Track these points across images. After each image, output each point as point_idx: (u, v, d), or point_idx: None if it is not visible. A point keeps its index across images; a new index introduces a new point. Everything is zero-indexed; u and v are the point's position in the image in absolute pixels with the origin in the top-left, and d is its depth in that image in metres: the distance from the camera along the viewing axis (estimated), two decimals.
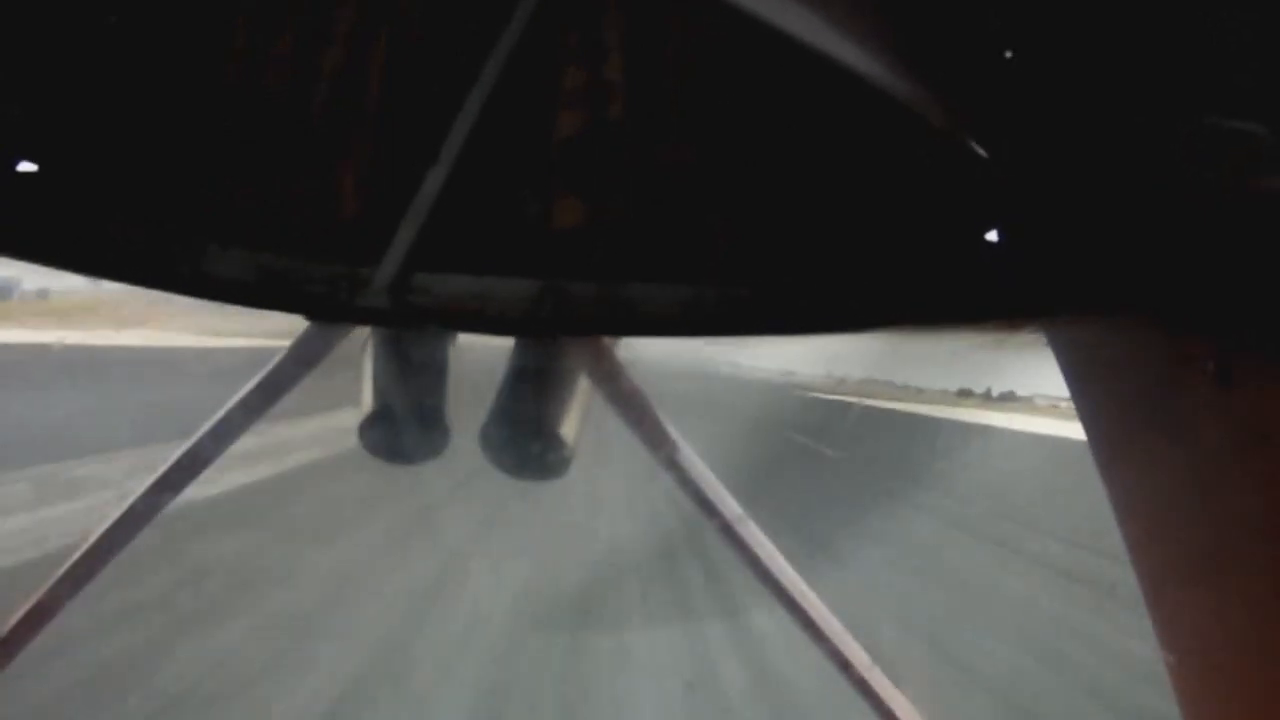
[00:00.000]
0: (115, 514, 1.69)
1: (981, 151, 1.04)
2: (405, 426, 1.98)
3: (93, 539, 1.67)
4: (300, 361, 1.70)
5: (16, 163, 1.27)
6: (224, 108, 1.33)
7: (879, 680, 1.64)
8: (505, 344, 1.89)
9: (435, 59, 1.32)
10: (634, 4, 1.33)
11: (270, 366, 1.73)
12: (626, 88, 1.34)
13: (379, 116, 1.36)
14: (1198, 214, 0.95)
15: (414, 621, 8.20)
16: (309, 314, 1.48)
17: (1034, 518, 12.85)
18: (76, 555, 1.66)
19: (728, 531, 1.73)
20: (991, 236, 1.21)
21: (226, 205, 1.35)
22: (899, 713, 1.63)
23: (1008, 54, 0.89)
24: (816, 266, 1.31)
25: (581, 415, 1.98)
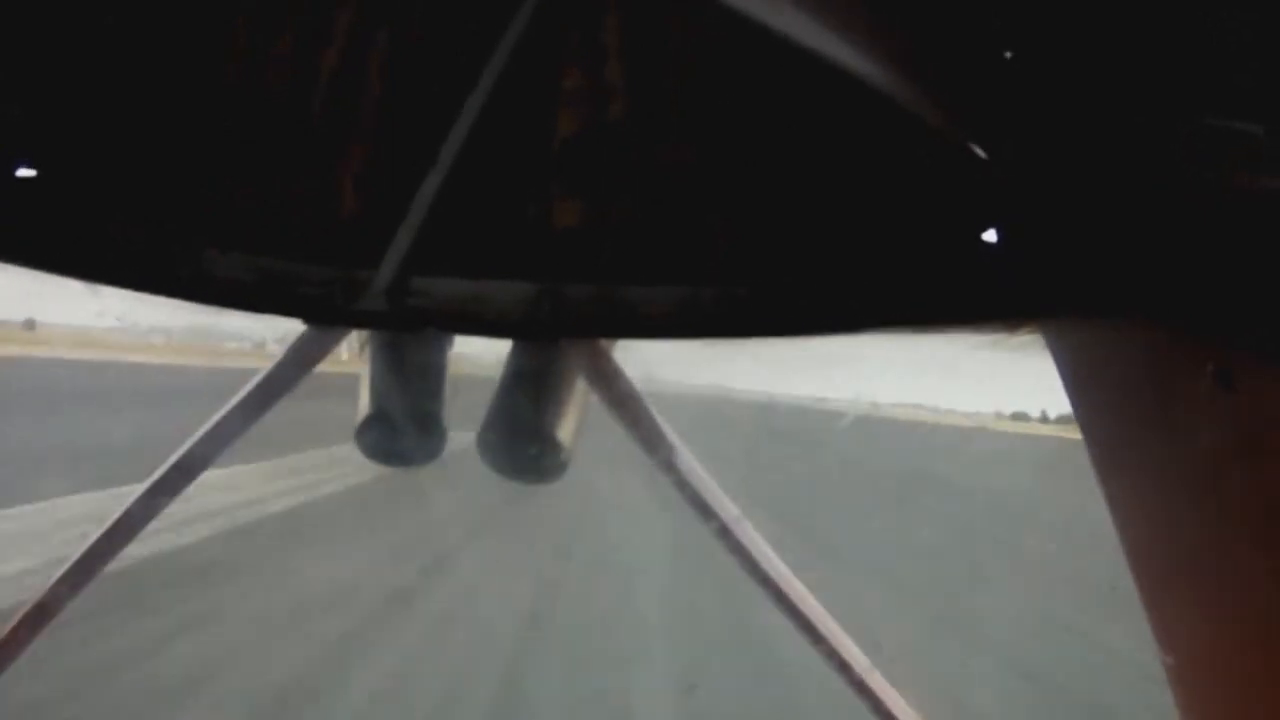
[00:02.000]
0: (113, 516, 1.68)
1: (981, 152, 1.04)
2: (402, 429, 1.98)
3: (91, 541, 1.66)
4: (298, 364, 1.69)
5: (16, 165, 1.27)
6: (224, 108, 1.33)
7: (878, 682, 1.64)
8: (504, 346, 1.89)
9: (435, 59, 1.32)
10: (634, 4, 1.33)
11: (267, 369, 1.72)
12: (626, 88, 1.34)
13: (379, 117, 1.36)
14: (1198, 214, 0.95)
15: None
16: (307, 317, 1.48)
17: None
18: (76, 557, 1.65)
19: (725, 534, 1.72)
20: (991, 237, 1.21)
21: (226, 207, 1.35)
22: (898, 714, 1.62)
23: (1007, 54, 0.89)
24: (816, 266, 1.31)
25: (579, 418, 1.98)
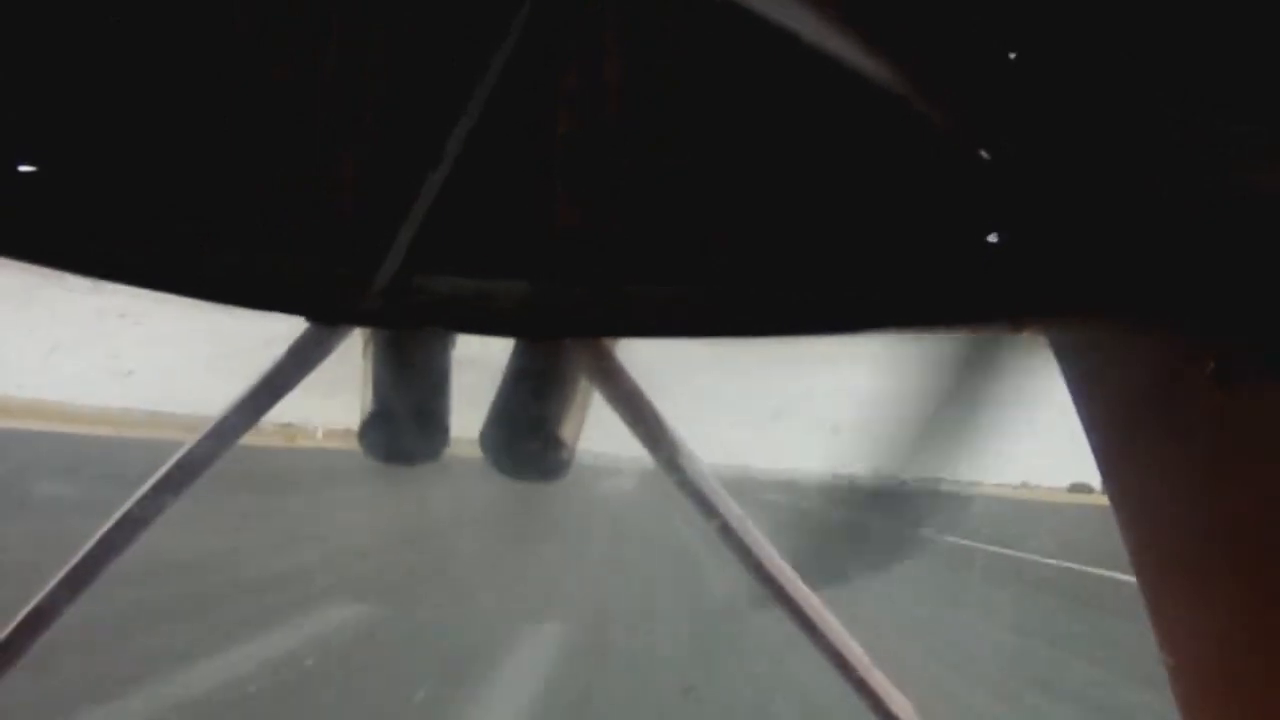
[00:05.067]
0: (114, 517, 1.68)
1: (984, 153, 1.04)
2: (404, 428, 1.97)
3: (92, 542, 1.66)
4: (299, 363, 1.69)
5: (17, 163, 1.27)
6: (224, 106, 1.33)
7: (879, 681, 1.63)
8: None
9: (435, 59, 1.32)
10: (634, 4, 1.33)
11: (269, 368, 1.72)
12: (625, 88, 1.34)
13: (379, 116, 1.36)
14: (1197, 215, 0.95)
15: None
16: (308, 315, 1.48)
17: None
18: (76, 559, 1.65)
19: (727, 533, 1.72)
20: (993, 238, 1.21)
21: (226, 205, 1.35)
22: (899, 714, 1.62)
23: (1011, 55, 0.89)
24: (817, 267, 1.31)
25: (581, 417, 1.98)
